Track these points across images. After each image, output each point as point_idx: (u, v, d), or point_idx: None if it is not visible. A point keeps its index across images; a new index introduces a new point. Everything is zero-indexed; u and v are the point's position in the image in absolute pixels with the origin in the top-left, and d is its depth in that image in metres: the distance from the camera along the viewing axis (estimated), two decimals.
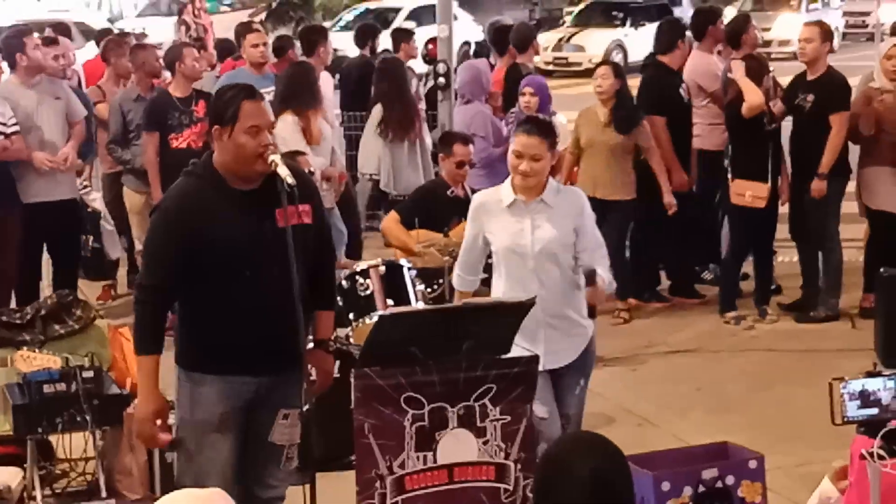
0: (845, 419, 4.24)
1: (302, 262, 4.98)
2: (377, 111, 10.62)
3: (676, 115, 9.87)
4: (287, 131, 8.53)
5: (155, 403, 5.11)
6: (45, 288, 9.23)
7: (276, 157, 4.96)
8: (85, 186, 9.91)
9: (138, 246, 9.75)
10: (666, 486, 5.18)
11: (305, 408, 5.22)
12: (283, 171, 4.92)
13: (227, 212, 4.99)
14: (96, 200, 9.97)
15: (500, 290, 5.92)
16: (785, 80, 9.98)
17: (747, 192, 9.36)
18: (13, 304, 8.49)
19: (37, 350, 6.92)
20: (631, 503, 3.11)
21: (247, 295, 4.99)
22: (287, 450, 5.24)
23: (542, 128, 5.98)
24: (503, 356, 5.16)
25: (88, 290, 9.96)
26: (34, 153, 8.71)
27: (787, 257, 10.67)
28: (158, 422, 5.15)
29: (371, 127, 10.82)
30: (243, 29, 11.47)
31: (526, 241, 5.85)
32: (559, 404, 5.91)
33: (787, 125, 9.66)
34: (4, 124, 8.50)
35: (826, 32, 9.65)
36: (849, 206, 9.72)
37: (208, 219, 4.97)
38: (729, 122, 9.64)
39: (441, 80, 11.50)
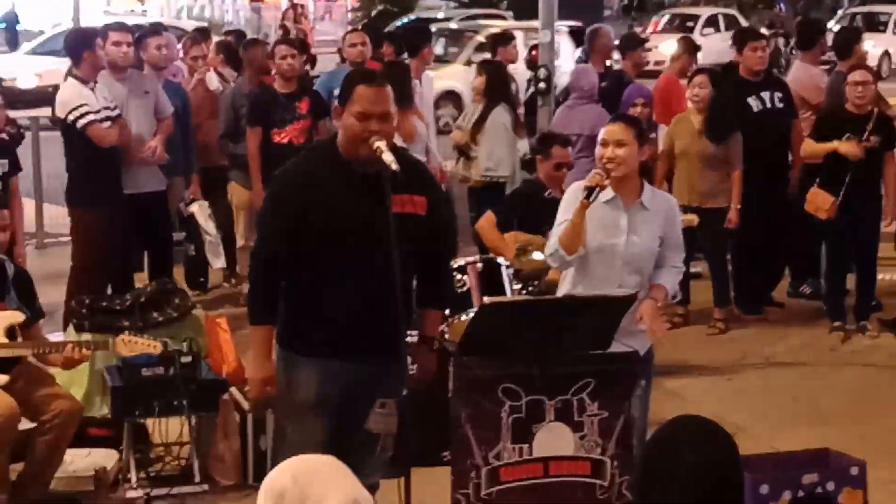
0: None
1: (408, 253, 4.96)
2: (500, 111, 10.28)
3: (747, 129, 9.48)
4: None
5: (264, 372, 5.18)
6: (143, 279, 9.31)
7: (381, 144, 4.94)
8: (192, 200, 9.94)
9: (240, 242, 9.84)
10: (764, 489, 5.11)
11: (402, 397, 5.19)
12: (388, 158, 4.90)
13: (337, 190, 5.01)
14: (195, 208, 10.01)
15: (576, 288, 5.77)
16: None
17: (814, 201, 9.20)
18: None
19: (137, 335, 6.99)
20: (740, 497, 3.02)
21: (347, 278, 4.99)
22: (383, 439, 5.23)
23: (627, 118, 6.06)
24: (602, 351, 5.12)
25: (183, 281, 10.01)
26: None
27: (890, 275, 10.50)
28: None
29: (498, 127, 10.27)
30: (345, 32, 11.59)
31: (619, 241, 5.72)
32: None
33: None
34: (109, 108, 8.56)
35: None
36: None
37: (318, 194, 4.99)
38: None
39: (542, 84, 11.37)
